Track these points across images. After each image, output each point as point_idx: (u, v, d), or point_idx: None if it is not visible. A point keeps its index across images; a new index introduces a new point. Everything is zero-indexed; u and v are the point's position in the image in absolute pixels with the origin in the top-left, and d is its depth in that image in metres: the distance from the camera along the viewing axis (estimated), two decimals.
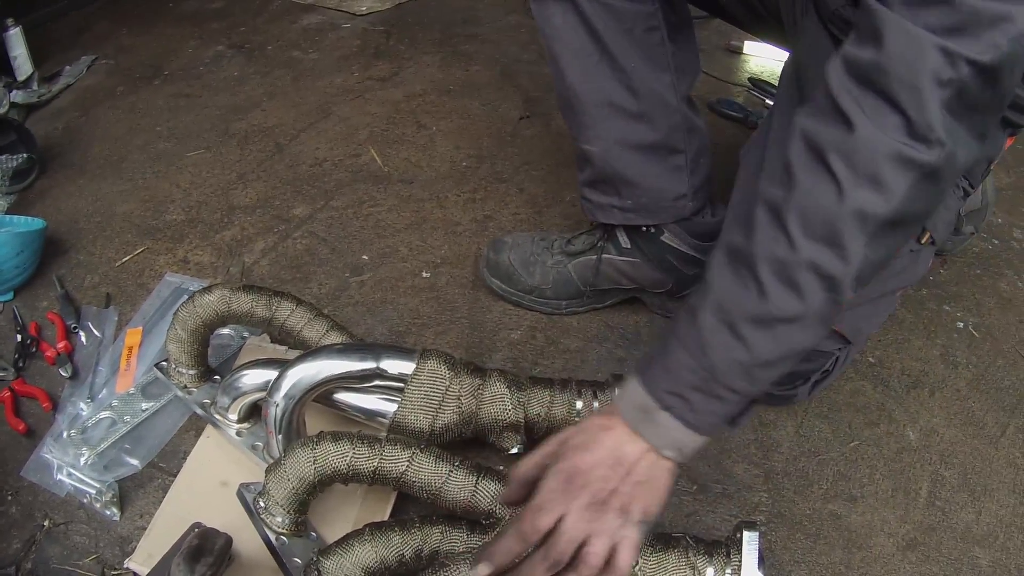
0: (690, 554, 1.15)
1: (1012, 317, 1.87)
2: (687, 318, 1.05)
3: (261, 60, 2.94)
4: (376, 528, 1.20)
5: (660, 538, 1.18)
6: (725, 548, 1.16)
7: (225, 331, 1.70)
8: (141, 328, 1.77)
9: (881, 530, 1.43)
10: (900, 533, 1.43)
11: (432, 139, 2.42)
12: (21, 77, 2.75)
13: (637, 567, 1.13)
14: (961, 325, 1.84)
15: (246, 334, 1.69)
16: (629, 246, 1.69)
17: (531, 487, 1.10)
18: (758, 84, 2.62)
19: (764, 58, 2.78)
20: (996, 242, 2.09)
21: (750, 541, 1.15)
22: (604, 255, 1.71)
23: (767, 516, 1.44)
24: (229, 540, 1.19)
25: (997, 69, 0.89)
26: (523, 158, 2.32)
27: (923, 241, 1.39)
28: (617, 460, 1.05)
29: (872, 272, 1.01)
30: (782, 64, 1.43)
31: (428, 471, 1.21)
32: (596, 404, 1.39)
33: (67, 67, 2.91)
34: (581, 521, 1.02)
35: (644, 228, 1.67)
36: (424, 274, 1.93)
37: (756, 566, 1.13)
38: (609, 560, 1.03)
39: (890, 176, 0.93)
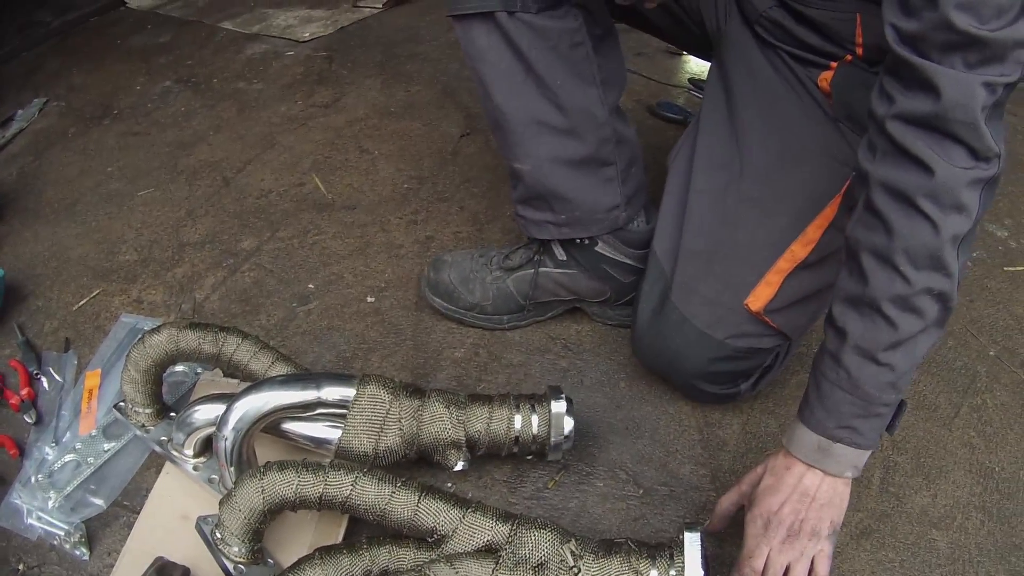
0: (632, 558, 1.20)
1: (962, 297, 1.91)
2: (831, 364, 1.19)
3: (208, 93, 3.00)
4: (326, 552, 1.24)
5: (602, 545, 1.23)
6: (668, 551, 1.21)
7: (179, 368, 1.75)
8: (100, 370, 1.83)
9: None
10: (853, 522, 1.47)
11: (374, 163, 2.48)
12: None
13: (579, 574, 1.19)
14: None
15: (199, 370, 1.74)
16: (565, 258, 1.73)
17: (730, 519, 1.37)
18: (698, 84, 2.67)
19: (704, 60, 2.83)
20: None
21: (692, 542, 1.20)
22: (541, 268, 1.75)
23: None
24: (186, 571, 1.27)
25: (1019, 80, 1.03)
26: (464, 175, 2.38)
27: None
28: (802, 494, 1.22)
29: (965, 269, 1.16)
30: None
31: (372, 493, 1.25)
32: (535, 418, 1.43)
33: (19, 111, 2.97)
34: (782, 554, 1.22)
35: (579, 240, 1.70)
36: (369, 299, 1.98)
37: (700, 566, 1.19)
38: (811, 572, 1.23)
39: (969, 199, 1.06)
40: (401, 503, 1.26)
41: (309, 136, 2.65)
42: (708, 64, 1.69)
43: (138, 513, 1.50)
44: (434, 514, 1.25)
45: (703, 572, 1.18)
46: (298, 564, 1.24)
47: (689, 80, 2.73)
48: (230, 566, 1.28)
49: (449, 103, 2.75)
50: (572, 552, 1.21)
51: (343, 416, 1.40)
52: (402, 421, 1.40)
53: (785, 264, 1.42)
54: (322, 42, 3.32)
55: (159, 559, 1.28)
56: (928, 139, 1.06)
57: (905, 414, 1.25)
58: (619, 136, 1.63)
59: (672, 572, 1.19)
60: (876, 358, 1.14)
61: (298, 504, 1.27)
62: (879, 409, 1.18)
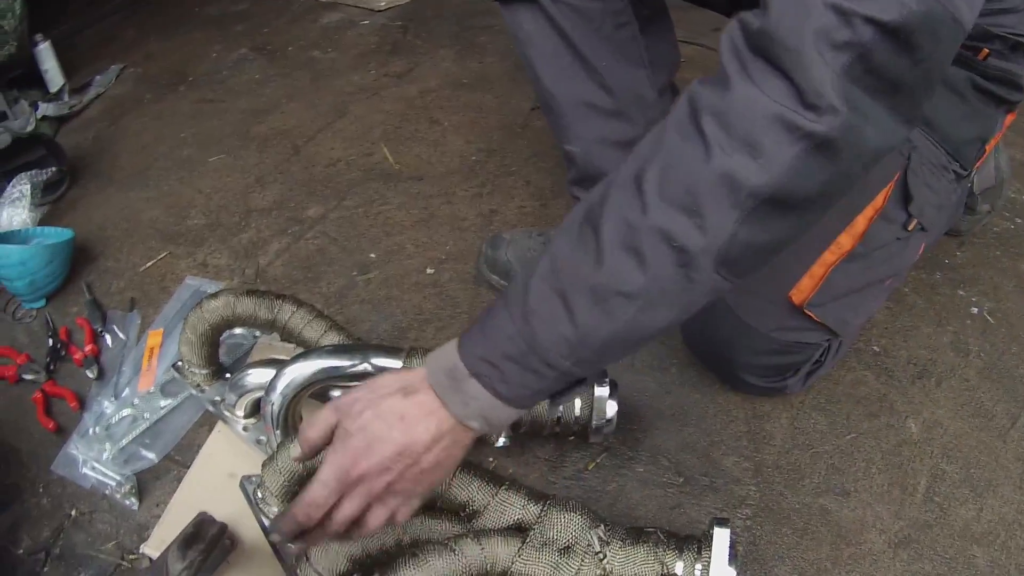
0: (660, 549, 1.18)
1: None
2: (521, 279, 0.97)
3: (282, 62, 3.03)
4: None
5: (631, 532, 1.21)
6: (697, 544, 1.18)
7: (238, 331, 1.77)
8: (162, 330, 1.87)
9: (873, 526, 1.42)
10: (893, 530, 1.41)
11: (444, 134, 2.49)
12: (52, 89, 2.86)
13: (605, 560, 1.17)
14: (975, 311, 1.80)
15: (258, 334, 1.77)
16: None
17: (317, 450, 1.08)
18: None
19: None
20: (1019, 220, 2.05)
21: (721, 537, 1.16)
22: None
23: (754, 510, 1.44)
24: (223, 528, 1.29)
25: (908, 32, 0.76)
26: (532, 150, 2.37)
27: (910, 228, 1.38)
28: (403, 450, 0.99)
29: (751, 257, 0.90)
30: None
31: None
32: (577, 400, 1.41)
33: (97, 77, 3.03)
34: (355, 508, 1.02)
35: None
36: (429, 271, 1.99)
37: (727, 563, 1.15)
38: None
39: (769, 142, 0.80)
40: None
41: (380, 106, 2.67)
42: None
43: (188, 468, 1.56)
44: (467, 489, 1.25)
45: (731, 569, 1.15)
46: None
47: None
48: (269, 525, 1.30)
49: (521, 76, 2.71)
50: (600, 537, 1.19)
51: None
52: None
53: (830, 256, 1.36)
54: (397, 12, 3.32)
55: (201, 514, 1.31)
56: (747, 57, 0.82)
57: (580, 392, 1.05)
58: None
59: (698, 567, 1.16)
60: (565, 296, 0.91)
61: None
62: (538, 365, 0.94)
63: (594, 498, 1.50)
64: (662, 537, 1.20)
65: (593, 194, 0.94)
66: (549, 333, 0.92)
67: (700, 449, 1.55)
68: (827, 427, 1.58)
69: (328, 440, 1.05)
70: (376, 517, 1.03)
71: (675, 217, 0.85)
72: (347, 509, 1.02)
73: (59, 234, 2.11)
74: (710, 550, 1.16)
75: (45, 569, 1.50)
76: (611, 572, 1.17)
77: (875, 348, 1.72)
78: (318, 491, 1.01)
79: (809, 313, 1.39)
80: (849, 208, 1.35)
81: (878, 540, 1.40)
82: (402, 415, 0.99)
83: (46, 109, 2.75)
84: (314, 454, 1.08)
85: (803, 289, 1.38)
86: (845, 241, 1.35)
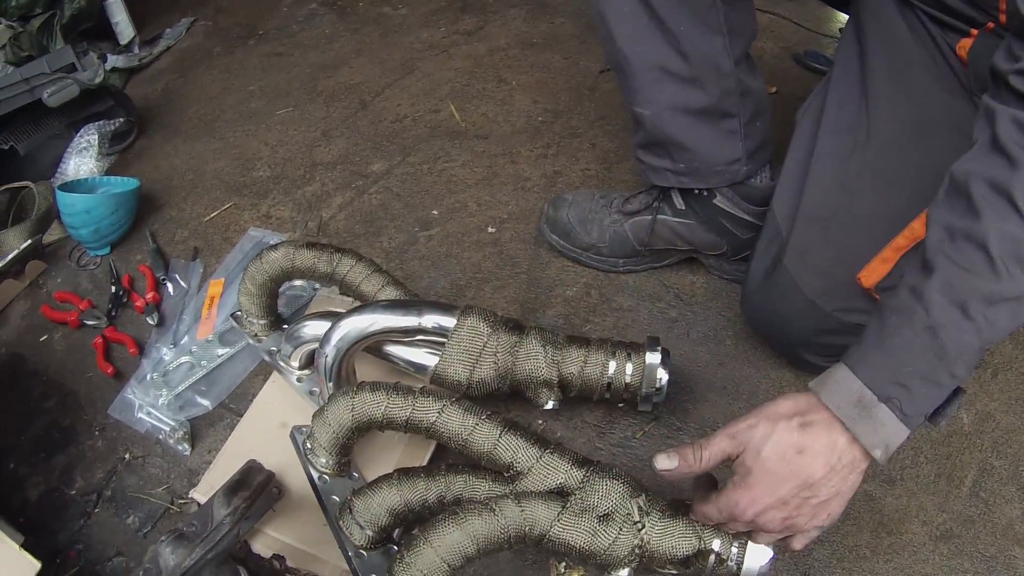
0: (699, 524, 1.17)
1: None
2: (908, 297, 1.00)
3: (352, 17, 3.01)
4: (404, 473, 1.27)
5: (672, 504, 1.20)
6: None
7: (298, 283, 1.79)
8: (223, 280, 1.89)
9: (916, 517, 1.39)
10: (935, 522, 1.39)
11: (511, 94, 2.46)
12: (123, 42, 2.90)
13: (643, 530, 1.16)
14: None
15: (317, 287, 1.78)
16: (684, 208, 1.69)
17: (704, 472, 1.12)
18: None
19: None
20: None
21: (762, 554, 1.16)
22: (659, 216, 1.71)
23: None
24: (270, 476, 1.30)
25: None
26: (599, 112, 2.34)
27: None
28: (802, 485, 1.02)
29: None
30: None
31: (456, 422, 1.25)
32: (629, 367, 1.40)
33: (167, 30, 3.05)
34: (770, 521, 1.06)
35: (697, 191, 1.66)
36: (490, 229, 1.98)
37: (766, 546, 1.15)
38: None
39: None
40: (483, 435, 1.25)
41: (449, 63, 2.65)
42: None
43: (241, 416, 1.57)
44: (512, 450, 1.24)
45: (769, 552, 1.15)
46: (376, 481, 1.27)
47: (840, 30, 2.58)
48: (315, 476, 1.33)
49: (591, 38, 2.69)
50: (639, 507, 1.18)
51: (442, 345, 1.40)
52: (498, 355, 1.39)
53: (903, 241, 1.30)
54: None
55: (250, 462, 1.32)
56: None
57: (958, 405, 1.05)
58: (744, 88, 1.56)
59: (734, 546, 1.16)
60: (966, 307, 0.96)
61: (385, 424, 1.28)
62: (944, 377, 0.98)
63: (639, 467, 1.48)
64: None
65: (945, 217, 1.01)
66: (956, 343, 0.96)
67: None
68: None
69: (717, 464, 1.09)
70: (763, 540, 1.12)
71: None
72: (736, 530, 1.12)
73: (125, 183, 2.13)
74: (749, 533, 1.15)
75: (96, 510, 1.53)
76: (648, 543, 1.16)
77: None
78: (712, 513, 1.09)
79: (876, 296, 1.35)
80: (924, 195, 1.28)
81: (920, 531, 1.38)
82: (800, 448, 1.02)
83: (115, 61, 2.78)
84: (698, 474, 1.13)
85: (873, 271, 1.33)
86: (919, 227, 1.28)
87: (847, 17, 1.55)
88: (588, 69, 2.54)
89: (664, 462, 1.12)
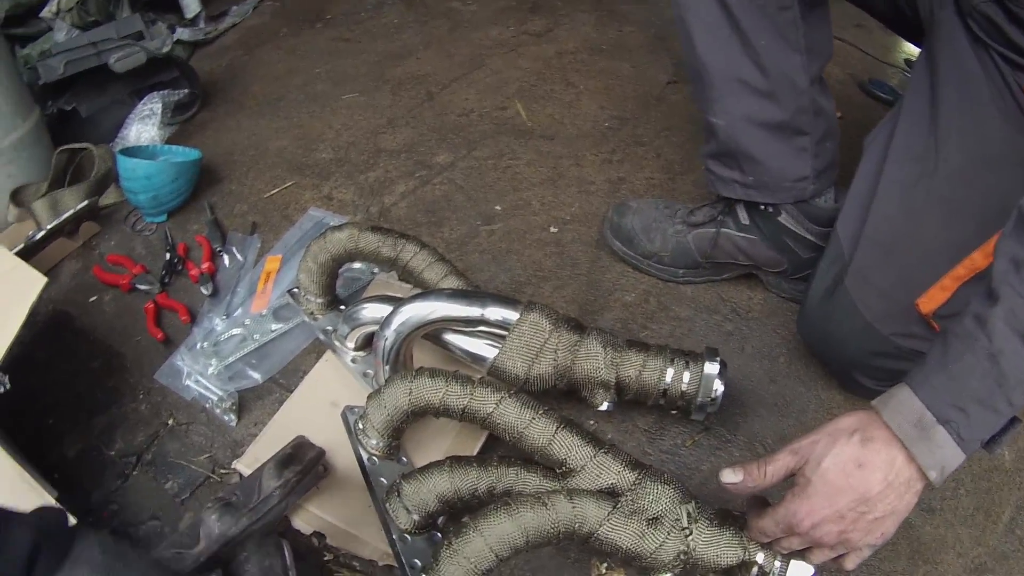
0: (744, 536, 1.16)
1: None
2: (973, 325, 1.01)
3: (421, 9, 3.01)
4: (456, 461, 1.26)
5: (720, 514, 1.19)
6: None
7: (357, 265, 1.78)
8: (281, 256, 1.88)
9: (952, 548, 1.39)
10: (971, 555, 1.38)
11: (578, 97, 2.45)
12: (189, 15, 2.90)
13: (690, 537, 1.15)
14: None
15: (376, 270, 1.76)
16: (748, 223, 1.69)
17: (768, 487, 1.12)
18: (913, 66, 2.51)
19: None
20: None
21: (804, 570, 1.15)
22: (723, 229, 1.71)
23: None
24: (320, 453, 1.29)
25: None
26: (665, 123, 2.32)
27: None
28: (859, 499, 1.02)
29: None
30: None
31: (513, 415, 1.24)
32: (686, 375, 1.38)
33: (234, 7, 3.06)
34: (799, 547, 1.09)
35: (763, 206, 1.66)
36: (552, 229, 1.96)
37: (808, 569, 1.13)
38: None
39: None
40: (538, 430, 1.24)
41: (517, 62, 2.63)
42: None
43: (291, 392, 1.55)
44: (567, 447, 1.23)
45: (811, 569, 1.13)
46: (428, 467, 1.26)
47: (905, 61, 2.58)
48: (365, 456, 1.33)
49: (660, 48, 2.68)
50: (689, 513, 1.17)
51: (502, 337, 1.39)
52: (558, 352, 1.38)
53: (963, 271, 1.31)
54: None
55: (299, 437, 1.31)
56: None
57: (1014, 435, 1.06)
58: (817, 107, 1.57)
59: (777, 561, 1.14)
60: None
61: (441, 411, 1.28)
62: (1002, 404, 0.99)
63: (687, 475, 1.48)
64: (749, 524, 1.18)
65: (1013, 249, 1.02)
66: (1016, 371, 0.97)
67: None
68: None
69: (780, 479, 1.10)
70: (817, 557, 1.11)
71: None
72: (791, 545, 1.11)
73: (186, 153, 2.13)
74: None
75: (134, 472, 1.51)
76: (694, 550, 1.16)
77: None
78: (769, 526, 1.10)
79: (934, 324, 1.35)
80: (987, 227, 1.30)
81: (955, 563, 1.37)
82: (860, 462, 1.03)
83: (182, 33, 2.79)
84: (763, 489, 1.13)
85: (932, 299, 1.34)
86: (979, 259, 1.30)
87: (913, 48, 1.54)
88: (655, 79, 2.53)
89: (730, 476, 1.13)
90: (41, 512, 0.82)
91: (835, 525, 1.04)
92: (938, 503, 1.43)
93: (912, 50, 2.64)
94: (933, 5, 1.44)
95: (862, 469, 1.02)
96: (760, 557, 1.14)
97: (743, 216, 1.69)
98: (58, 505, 0.97)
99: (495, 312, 1.38)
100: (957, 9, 1.37)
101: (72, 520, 0.87)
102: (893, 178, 1.43)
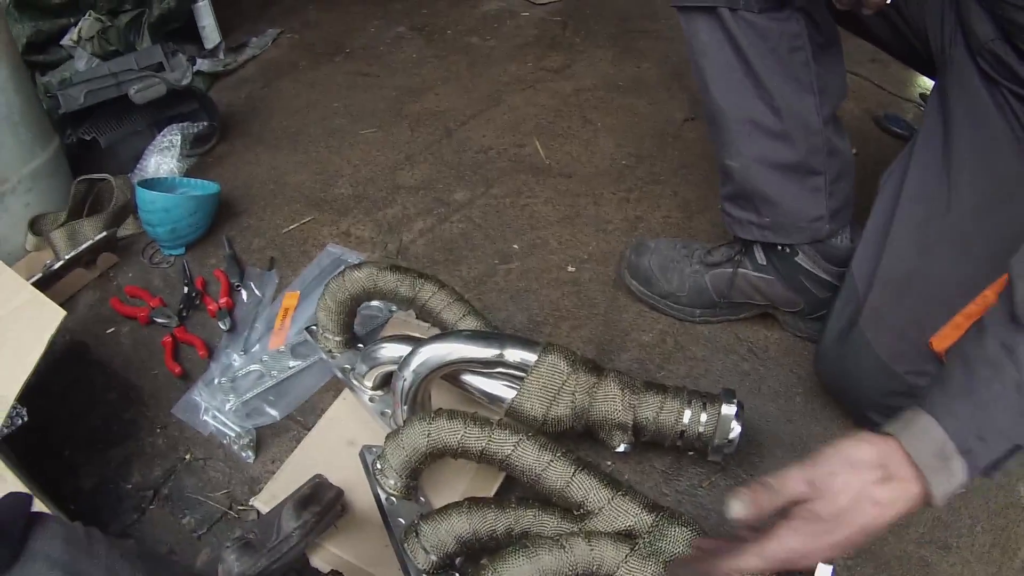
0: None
1: None
2: (1003, 353, 0.97)
3: (440, 44, 3.02)
4: (474, 502, 1.26)
5: None
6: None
7: (375, 304, 1.78)
8: (299, 292, 1.88)
9: None
10: None
11: (595, 135, 2.45)
12: (208, 46, 2.91)
13: None
14: None
15: (394, 309, 1.76)
16: (765, 263, 1.69)
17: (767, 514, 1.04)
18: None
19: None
20: None
21: (822, 572, 1.09)
22: (740, 269, 1.71)
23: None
24: (339, 493, 1.29)
25: None
26: (682, 160, 2.32)
27: None
28: (866, 533, 0.97)
29: None
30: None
31: (531, 458, 1.25)
32: (703, 416, 1.38)
33: (253, 39, 3.08)
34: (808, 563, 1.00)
35: (780, 247, 1.66)
36: (569, 268, 1.96)
37: None
38: None
39: None
40: (557, 472, 1.25)
41: (535, 99, 2.64)
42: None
43: (308, 430, 1.56)
44: (585, 489, 1.24)
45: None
46: (446, 508, 1.26)
47: (920, 95, 2.57)
48: (383, 496, 1.32)
49: (676, 86, 2.68)
50: None
51: (520, 378, 1.39)
52: (576, 394, 1.38)
53: (975, 309, 1.30)
54: (558, 7, 3.26)
55: (317, 476, 1.31)
56: None
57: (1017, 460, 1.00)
58: (831, 147, 1.57)
59: None
60: None
61: (459, 453, 1.29)
62: (1021, 435, 0.96)
63: (704, 516, 1.47)
64: None
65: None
66: None
67: None
68: None
69: (781, 505, 1.01)
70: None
71: None
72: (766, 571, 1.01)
73: (205, 187, 2.14)
74: None
75: (151, 506, 1.51)
76: None
77: None
78: (754, 563, 0.98)
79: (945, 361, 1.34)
80: (999, 264, 1.26)
81: None
82: (878, 501, 0.96)
83: (202, 64, 2.81)
84: (763, 517, 1.03)
85: (945, 337, 1.33)
86: (991, 296, 1.29)
87: (929, 83, 1.53)
88: (673, 117, 2.53)
89: (741, 509, 1.02)
90: (2, 500, 0.78)
91: (828, 553, 0.98)
92: (955, 540, 1.42)
93: (927, 84, 2.63)
94: (944, 43, 1.45)
95: (878, 507, 0.96)
96: None
97: (760, 256, 1.69)
98: (24, 491, 0.91)
99: (514, 354, 1.38)
100: (968, 48, 1.38)
101: (38, 506, 0.81)
102: (906, 217, 1.43)
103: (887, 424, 1.02)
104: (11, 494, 0.80)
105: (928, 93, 2.45)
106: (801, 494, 0.99)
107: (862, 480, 0.97)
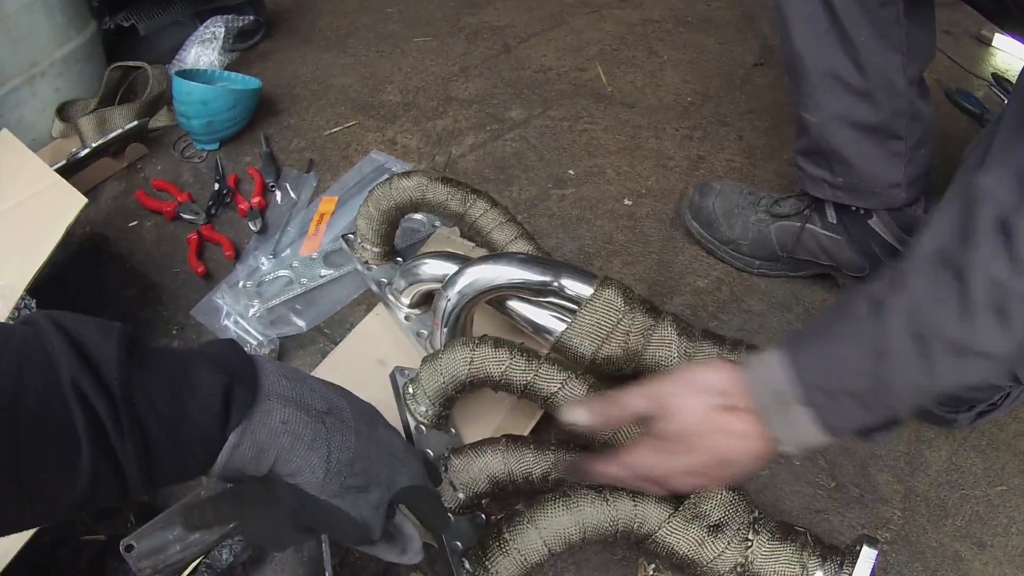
0: (805, 552, 1.10)
1: None
2: (870, 310, 0.90)
3: None
4: (513, 440, 1.20)
5: (781, 527, 1.13)
6: (840, 556, 1.11)
7: (418, 216, 1.70)
8: (337, 198, 1.79)
9: None
10: None
11: (661, 67, 2.34)
12: None
13: (750, 549, 1.10)
14: None
15: (438, 223, 1.69)
16: (835, 222, 1.61)
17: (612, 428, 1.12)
18: (1001, 82, 2.40)
19: (1013, 55, 2.55)
20: None
21: (867, 558, 1.08)
22: (808, 225, 1.63)
23: (893, 535, 1.35)
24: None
25: None
26: (749, 105, 2.21)
27: None
28: (717, 464, 0.99)
29: None
30: None
31: (578, 398, 1.19)
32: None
33: None
34: (681, 486, 1.03)
35: (855, 208, 1.58)
36: (626, 201, 1.87)
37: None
38: None
39: None
40: None
41: (600, 25, 2.53)
42: (1016, 62, 1.46)
43: (336, 344, 1.49)
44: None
45: (870, 562, 1.07)
46: (481, 443, 1.21)
47: (992, 75, 2.45)
48: (412, 423, 1.26)
49: (747, 28, 2.56)
50: (752, 523, 1.12)
51: (570, 311, 1.30)
52: (630, 335, 1.29)
53: None
54: None
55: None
56: None
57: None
58: (915, 111, 1.48)
59: None
60: (925, 344, 0.85)
61: (501, 385, 1.22)
62: (878, 406, 0.90)
63: (744, 482, 1.36)
64: (810, 540, 1.13)
65: (941, 236, 0.89)
66: (902, 378, 0.88)
67: (858, 458, 1.45)
68: (982, 472, 1.46)
69: (627, 421, 1.05)
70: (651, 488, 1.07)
71: None
72: (644, 489, 1.07)
73: (246, 81, 2.05)
74: (852, 567, 1.08)
75: None
76: (752, 562, 1.10)
77: None
78: (615, 472, 1.03)
79: None
80: None
81: None
82: (723, 429, 0.97)
83: None
84: (606, 429, 1.12)
85: None
86: None
87: (1000, 63, 1.42)
88: (742, 59, 2.41)
89: (576, 416, 1.06)
90: (217, 346, 0.79)
91: (689, 479, 1.01)
92: (990, 538, 1.36)
93: (1000, 63, 2.54)
94: None
95: (725, 437, 0.96)
96: (819, 575, 1.09)
97: (831, 214, 1.62)
98: (229, 338, 0.92)
99: (569, 283, 1.28)
100: None
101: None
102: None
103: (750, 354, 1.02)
104: (223, 340, 0.82)
105: (1001, 74, 2.40)
106: (647, 410, 1.00)
107: (703, 404, 0.97)
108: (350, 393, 0.93)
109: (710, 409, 0.96)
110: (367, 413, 0.90)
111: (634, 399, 1.01)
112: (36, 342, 0.65)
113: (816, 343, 0.93)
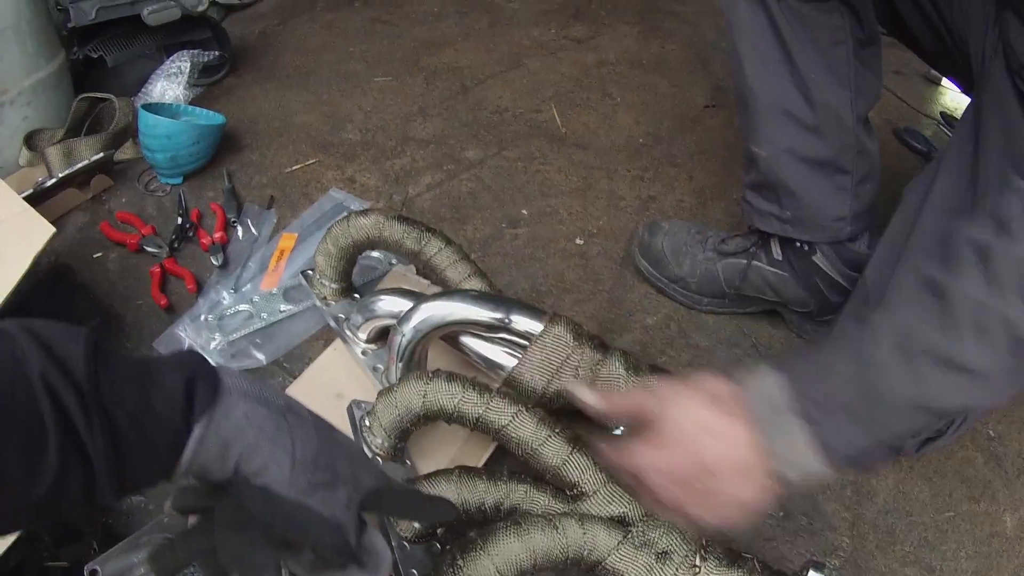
0: None
1: None
2: (858, 328, 0.94)
3: (463, 0, 2.96)
4: (465, 471, 1.22)
5: (728, 553, 1.15)
6: None
7: (375, 254, 1.73)
8: (296, 235, 1.82)
9: None
10: None
11: (614, 109, 2.40)
12: None
13: (698, 575, 1.12)
14: None
15: (394, 261, 1.72)
16: (781, 259, 1.66)
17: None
18: (949, 121, 2.48)
19: (961, 94, 2.62)
20: None
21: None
22: (754, 262, 1.68)
23: (842, 562, 1.38)
24: None
25: None
26: (699, 146, 2.27)
27: None
28: (711, 467, 0.96)
29: None
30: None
31: (528, 431, 1.21)
32: None
33: None
34: (667, 497, 1.00)
35: (799, 243, 1.63)
36: (578, 240, 1.91)
37: None
38: None
39: None
40: (553, 449, 1.21)
41: (556, 67, 2.58)
42: (963, 100, 1.53)
43: (294, 378, 1.51)
44: (581, 470, 1.20)
45: None
46: (435, 474, 1.23)
47: (941, 114, 2.53)
48: (369, 455, 1.27)
49: (700, 70, 2.63)
50: (699, 550, 1.14)
51: (522, 347, 1.35)
52: (579, 370, 1.34)
53: None
54: None
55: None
56: None
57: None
58: (861, 147, 1.53)
59: None
60: (911, 356, 0.89)
61: (454, 418, 1.24)
62: (875, 426, 0.92)
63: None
64: (757, 566, 1.14)
65: (923, 267, 0.94)
66: (890, 390, 0.90)
67: (806, 489, 1.48)
68: (929, 498, 1.50)
69: (629, 414, 1.06)
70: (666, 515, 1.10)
71: (1020, 307, 0.85)
72: (628, 481, 1.05)
73: (210, 117, 2.08)
74: None
75: None
76: None
77: (990, 432, 1.62)
78: (616, 460, 1.03)
79: None
80: None
81: None
82: (711, 430, 0.96)
83: None
84: (613, 413, 1.11)
85: None
86: None
87: (950, 102, 1.48)
88: (693, 101, 2.47)
89: (586, 395, 1.10)
90: (180, 354, 0.80)
91: (675, 488, 0.98)
92: (939, 564, 1.40)
93: (949, 103, 2.61)
94: (984, 57, 1.40)
95: (710, 437, 0.96)
96: None
97: (776, 251, 1.66)
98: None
99: (519, 320, 1.33)
100: (1007, 65, 1.33)
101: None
102: (927, 228, 1.38)
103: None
104: (184, 351, 0.83)
105: (950, 114, 2.47)
106: (647, 404, 1.02)
107: (699, 404, 0.98)
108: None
109: (704, 409, 0.97)
110: (323, 420, 0.91)
111: (638, 395, 1.05)
112: (4, 340, 0.66)
113: (807, 357, 0.97)
